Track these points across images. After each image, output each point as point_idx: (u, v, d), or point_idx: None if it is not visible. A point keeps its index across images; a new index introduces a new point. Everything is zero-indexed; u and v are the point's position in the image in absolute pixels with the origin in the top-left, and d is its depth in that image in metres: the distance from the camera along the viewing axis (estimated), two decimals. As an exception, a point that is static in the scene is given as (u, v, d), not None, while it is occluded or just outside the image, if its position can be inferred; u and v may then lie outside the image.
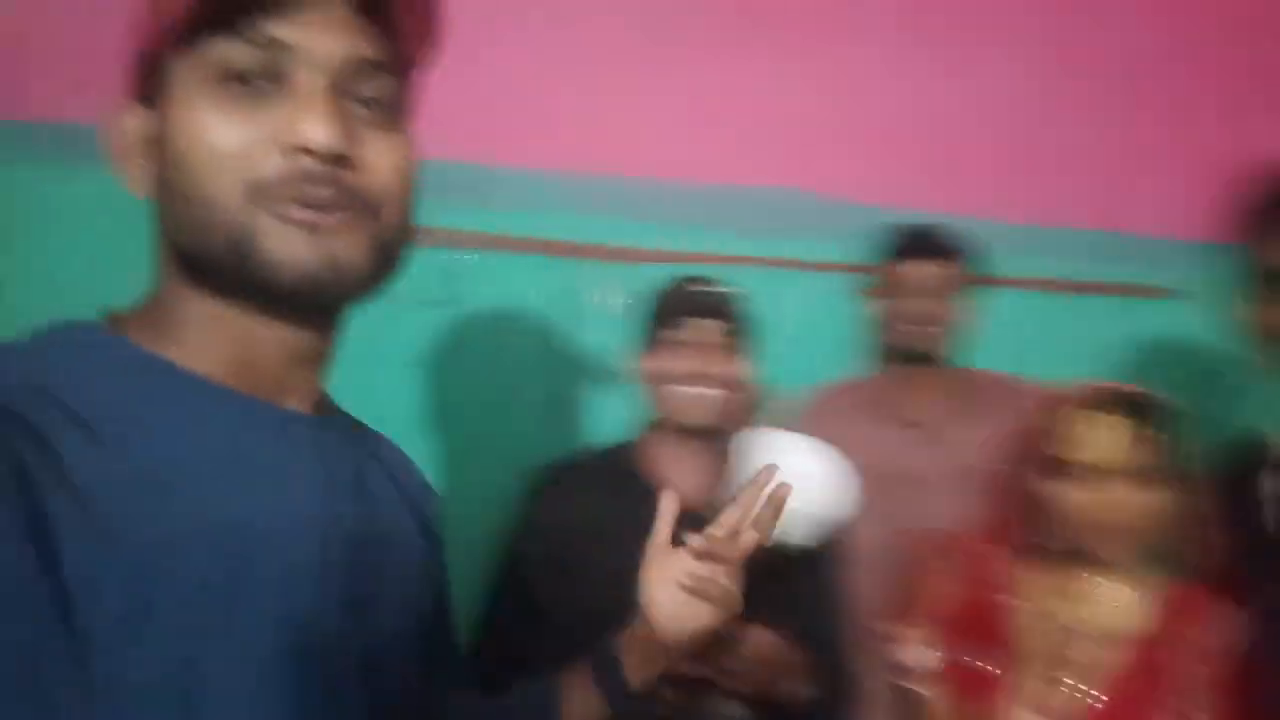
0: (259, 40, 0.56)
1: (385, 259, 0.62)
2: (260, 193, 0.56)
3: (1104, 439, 1.19)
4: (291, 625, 0.57)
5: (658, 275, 1.52)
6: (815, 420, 1.75)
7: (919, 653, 1.23)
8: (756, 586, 0.94)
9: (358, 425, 0.74)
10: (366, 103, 0.60)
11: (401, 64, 0.62)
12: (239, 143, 0.56)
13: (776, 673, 1.25)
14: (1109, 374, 1.29)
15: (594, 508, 1.42)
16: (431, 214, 0.67)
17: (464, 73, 1.40)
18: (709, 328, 1.48)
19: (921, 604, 1.22)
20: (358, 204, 0.59)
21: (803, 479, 1.00)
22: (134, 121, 0.62)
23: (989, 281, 1.88)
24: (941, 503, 1.63)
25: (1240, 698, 1.14)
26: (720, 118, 1.88)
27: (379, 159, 0.60)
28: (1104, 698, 1.17)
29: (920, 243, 1.78)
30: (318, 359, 0.65)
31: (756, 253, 1.91)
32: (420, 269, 0.70)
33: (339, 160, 0.57)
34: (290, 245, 0.56)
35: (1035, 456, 1.30)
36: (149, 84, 0.60)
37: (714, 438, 1.47)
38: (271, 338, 0.61)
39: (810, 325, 1.93)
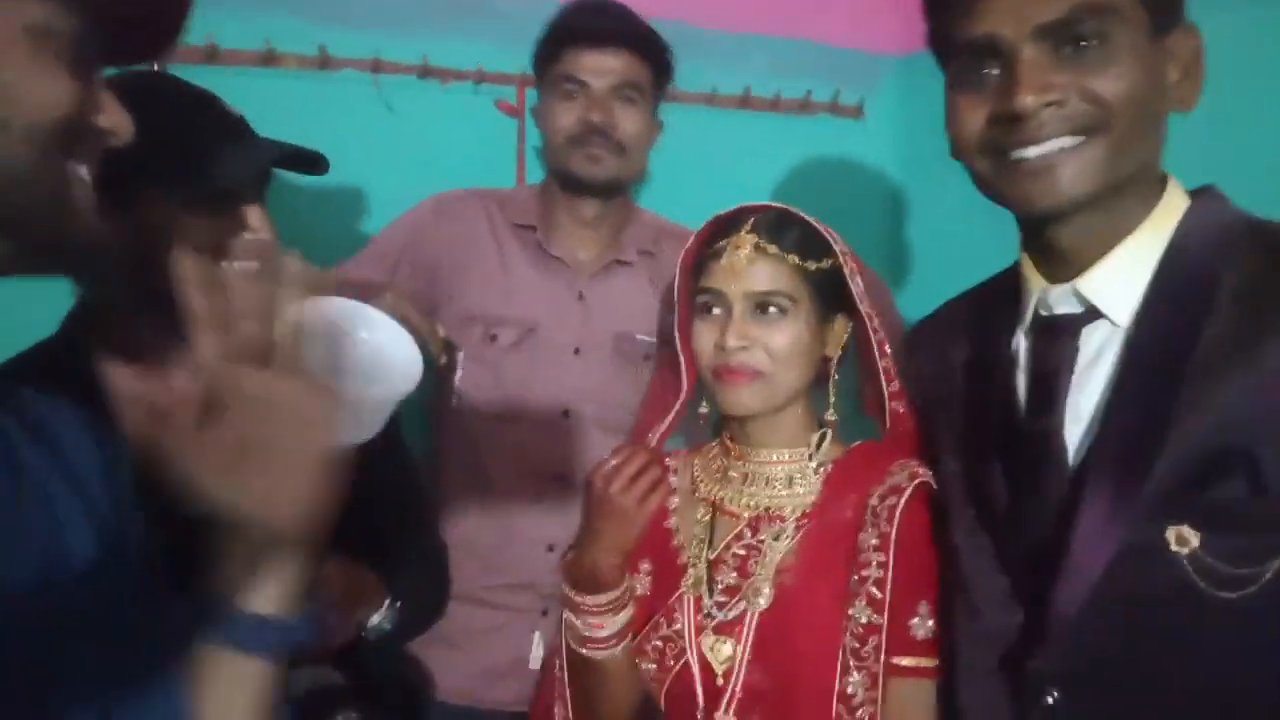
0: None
1: None
2: None
3: (726, 261, 0.98)
4: None
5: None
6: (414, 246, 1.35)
7: (603, 620, 1.02)
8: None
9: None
10: None
11: None
12: None
13: (356, 605, 1.00)
14: (785, 199, 1.02)
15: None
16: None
17: None
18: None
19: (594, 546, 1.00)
20: None
21: (375, 359, 0.84)
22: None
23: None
24: (581, 378, 1.32)
25: (933, 580, 0.94)
26: None
27: None
28: (773, 596, 0.96)
29: (591, 25, 1.32)
30: None
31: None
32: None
33: None
34: None
35: (679, 300, 1.06)
36: None
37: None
38: None
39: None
